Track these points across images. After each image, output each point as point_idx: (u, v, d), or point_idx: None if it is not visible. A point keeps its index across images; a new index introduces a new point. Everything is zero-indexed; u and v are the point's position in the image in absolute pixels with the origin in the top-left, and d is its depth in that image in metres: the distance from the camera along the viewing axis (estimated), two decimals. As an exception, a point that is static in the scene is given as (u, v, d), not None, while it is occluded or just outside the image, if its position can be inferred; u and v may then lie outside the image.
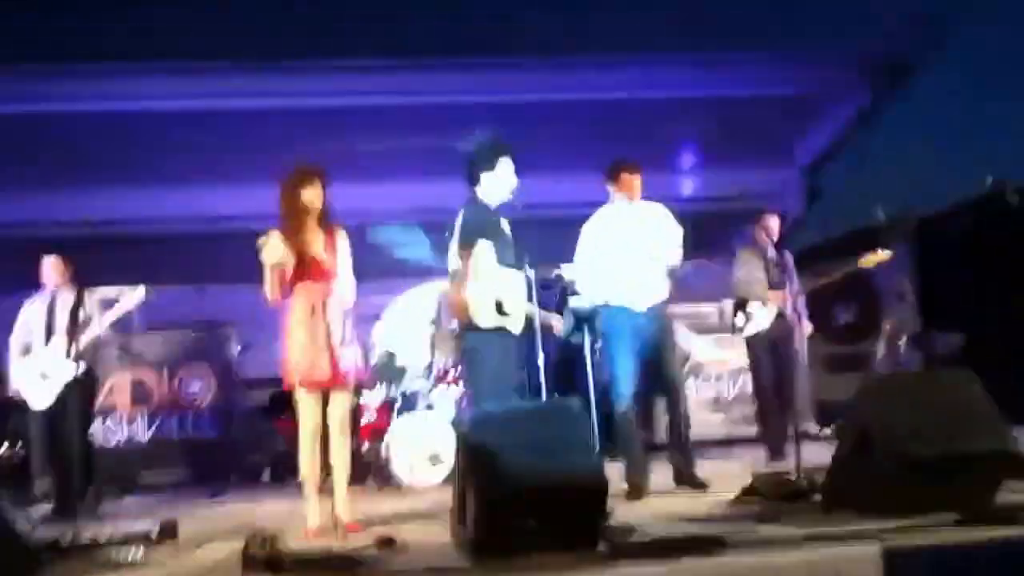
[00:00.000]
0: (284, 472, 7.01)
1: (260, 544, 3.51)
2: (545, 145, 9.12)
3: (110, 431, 7.21)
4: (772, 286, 6.05)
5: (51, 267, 5.89)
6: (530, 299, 4.51)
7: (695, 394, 7.63)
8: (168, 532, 4.22)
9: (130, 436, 7.30)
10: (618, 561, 3.15)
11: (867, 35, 8.36)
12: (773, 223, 6.12)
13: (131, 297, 5.63)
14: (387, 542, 3.83)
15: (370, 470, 6.23)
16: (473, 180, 4.48)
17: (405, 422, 6.12)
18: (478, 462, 3.31)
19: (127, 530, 4.27)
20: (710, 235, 8.60)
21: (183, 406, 7.48)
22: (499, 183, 4.46)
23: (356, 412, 6.33)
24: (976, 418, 3.56)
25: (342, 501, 4.52)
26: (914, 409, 3.55)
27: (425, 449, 5.96)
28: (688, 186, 9.86)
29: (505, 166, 4.46)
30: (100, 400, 6.47)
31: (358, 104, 8.18)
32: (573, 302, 5.11)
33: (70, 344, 5.61)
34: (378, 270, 7.04)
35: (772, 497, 4.22)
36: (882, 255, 5.64)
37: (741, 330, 6.18)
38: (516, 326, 4.39)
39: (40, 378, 5.67)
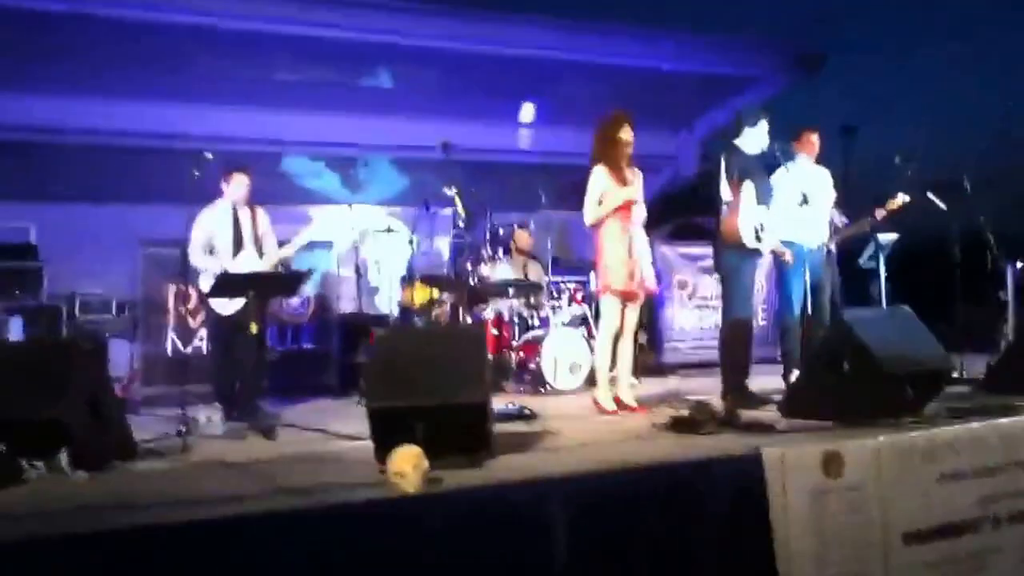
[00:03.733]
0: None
1: (701, 410, 4.46)
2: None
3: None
4: None
5: (238, 182, 5.98)
6: None
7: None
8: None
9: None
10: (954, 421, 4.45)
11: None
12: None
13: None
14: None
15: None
16: (736, 132, 5.53)
17: (554, 336, 6.97)
18: (866, 347, 4.44)
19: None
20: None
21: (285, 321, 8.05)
22: (758, 137, 5.53)
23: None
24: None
25: (627, 388, 5.47)
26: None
27: (568, 359, 6.88)
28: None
29: (764, 125, 5.53)
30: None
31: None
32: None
33: (260, 259, 5.91)
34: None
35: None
36: (901, 200, 6.34)
37: None
38: (766, 248, 5.54)
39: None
